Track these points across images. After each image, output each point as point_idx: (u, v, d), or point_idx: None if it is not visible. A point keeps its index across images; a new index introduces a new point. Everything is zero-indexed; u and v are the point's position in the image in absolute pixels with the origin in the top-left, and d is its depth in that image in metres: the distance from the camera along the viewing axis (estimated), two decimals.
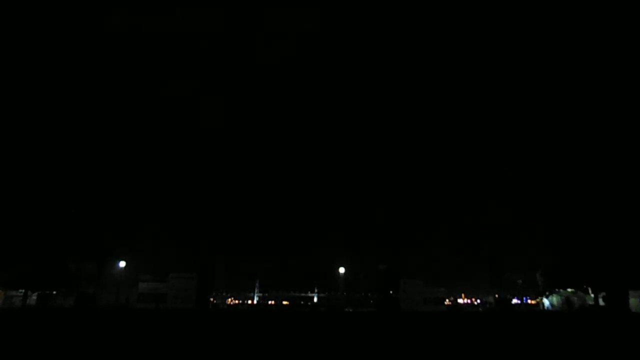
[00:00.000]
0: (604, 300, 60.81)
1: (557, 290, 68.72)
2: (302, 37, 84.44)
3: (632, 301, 60.94)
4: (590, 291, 63.09)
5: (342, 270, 74.36)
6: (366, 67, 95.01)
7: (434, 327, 23.37)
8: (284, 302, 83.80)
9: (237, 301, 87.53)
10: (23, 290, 59.69)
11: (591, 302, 62.25)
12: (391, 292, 69.26)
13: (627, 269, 56.51)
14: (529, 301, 75.98)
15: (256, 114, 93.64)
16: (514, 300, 75.03)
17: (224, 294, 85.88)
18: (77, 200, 67.76)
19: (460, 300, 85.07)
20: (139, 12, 73.44)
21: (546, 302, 70.92)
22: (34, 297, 62.37)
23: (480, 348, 12.67)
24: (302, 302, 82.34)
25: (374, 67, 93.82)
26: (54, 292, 64.29)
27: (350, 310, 67.30)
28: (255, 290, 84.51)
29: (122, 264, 69.46)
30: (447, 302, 75.94)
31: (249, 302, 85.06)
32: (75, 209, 66.41)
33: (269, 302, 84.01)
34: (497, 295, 73.89)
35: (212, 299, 77.68)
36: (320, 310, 69.55)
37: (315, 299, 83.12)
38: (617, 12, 66.66)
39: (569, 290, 67.26)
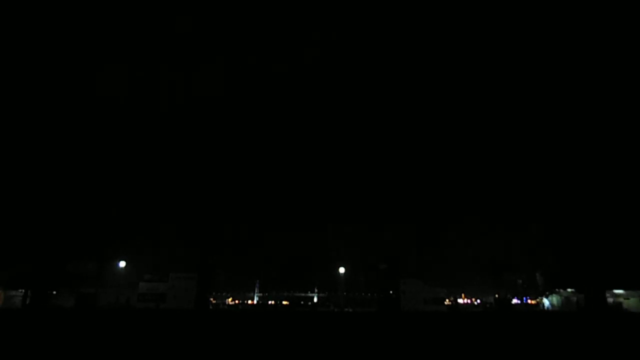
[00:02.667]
0: (585, 300, 61.82)
1: (557, 290, 68.72)
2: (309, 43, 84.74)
3: (633, 301, 60.99)
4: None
5: (342, 270, 74.35)
6: (370, 65, 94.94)
7: (434, 327, 23.36)
8: (284, 302, 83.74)
9: (237, 301, 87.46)
10: (23, 290, 59.69)
11: None
12: (391, 292, 69.25)
13: (620, 269, 56.73)
14: (529, 301, 75.92)
15: (256, 115, 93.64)
16: (514, 300, 74.95)
17: (224, 294, 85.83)
18: (77, 200, 67.74)
19: (460, 300, 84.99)
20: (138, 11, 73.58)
21: (546, 302, 70.89)
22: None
23: (480, 348, 12.66)
24: (302, 302, 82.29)
25: (378, 65, 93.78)
26: (54, 292, 64.30)
27: (350, 310, 67.30)
28: (255, 290, 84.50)
29: (122, 264, 69.46)
30: (447, 302, 75.88)
31: (249, 302, 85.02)
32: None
33: (269, 302, 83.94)
34: (497, 295, 73.82)
35: (212, 299, 77.65)
36: (319, 310, 69.56)
37: (315, 299, 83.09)
38: (617, 12, 66.63)
39: (569, 290, 67.25)
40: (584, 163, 66.19)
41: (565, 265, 64.57)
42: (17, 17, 67.76)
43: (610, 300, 63.02)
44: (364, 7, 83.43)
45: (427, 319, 32.45)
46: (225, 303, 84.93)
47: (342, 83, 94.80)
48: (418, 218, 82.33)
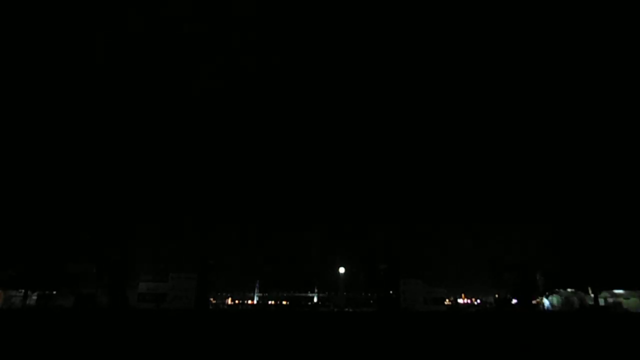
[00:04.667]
0: (518, 301, 65.49)
1: (557, 290, 68.67)
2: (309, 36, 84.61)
3: (633, 301, 60.96)
4: (590, 291, 63.08)
5: (342, 270, 74.34)
6: (364, 66, 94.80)
7: (434, 327, 23.35)
8: (284, 302, 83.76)
9: (237, 301, 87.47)
10: (23, 290, 59.67)
11: (591, 302, 62.24)
12: (391, 292, 69.23)
13: (620, 269, 56.92)
14: None
15: (254, 115, 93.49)
16: (514, 300, 74.89)
17: (224, 294, 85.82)
18: (77, 201, 67.71)
19: (460, 300, 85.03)
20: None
21: (546, 302, 70.85)
22: (34, 297, 62.34)
23: (480, 348, 12.65)
24: (302, 302, 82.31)
25: (372, 67, 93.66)
26: (54, 292, 64.27)
27: (350, 310, 67.25)
28: (255, 290, 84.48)
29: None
30: (447, 302, 75.88)
31: (249, 302, 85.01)
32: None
33: (269, 302, 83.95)
34: (497, 295, 73.80)
35: (212, 299, 77.62)
36: (319, 310, 69.50)
37: (315, 299, 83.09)
38: (617, 12, 66.59)
39: (569, 290, 67.20)
40: (584, 164, 66.21)
41: (565, 265, 64.55)
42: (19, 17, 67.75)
43: (610, 300, 63.00)
44: (365, 6, 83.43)
45: (427, 319, 32.43)
46: (224, 303, 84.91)
47: (346, 81, 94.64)
48: (419, 218, 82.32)
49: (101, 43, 76.07)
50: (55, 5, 69.39)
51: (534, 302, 75.48)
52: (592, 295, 62.06)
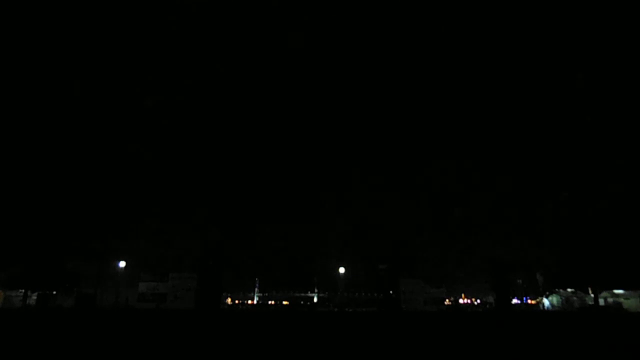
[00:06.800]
0: (495, 302, 66.99)
1: (557, 290, 68.70)
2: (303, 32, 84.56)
3: (632, 301, 60.98)
4: (590, 291, 63.12)
5: (342, 270, 74.26)
6: (365, 62, 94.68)
7: (434, 327, 23.35)
8: (284, 302, 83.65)
9: (237, 301, 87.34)
10: (23, 290, 59.68)
11: (591, 302, 62.26)
12: (391, 292, 69.24)
13: (620, 269, 56.99)
14: (529, 301, 75.89)
15: (252, 112, 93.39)
16: (514, 300, 74.90)
17: (224, 294, 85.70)
18: (76, 200, 67.66)
19: (460, 300, 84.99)
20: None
21: (546, 302, 70.86)
22: (34, 297, 62.36)
23: (480, 348, 12.65)
24: (302, 302, 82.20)
25: (372, 63, 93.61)
26: (54, 292, 64.28)
27: (350, 310, 67.25)
28: (255, 290, 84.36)
29: (122, 264, 69.42)
30: (447, 302, 75.83)
31: (249, 302, 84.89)
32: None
33: (269, 302, 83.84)
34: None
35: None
36: (319, 310, 69.53)
37: (315, 299, 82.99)
38: (617, 12, 66.58)
39: (569, 290, 67.23)
40: (584, 163, 66.18)
41: (565, 265, 64.60)
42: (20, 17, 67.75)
43: (610, 300, 63.03)
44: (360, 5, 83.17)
45: (427, 319, 32.43)
46: (224, 303, 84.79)
47: (336, 72, 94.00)
48: (418, 217, 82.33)
49: (101, 43, 76.04)
50: (55, 5, 69.41)
51: (532, 302, 75.55)
52: (592, 295, 62.08)
